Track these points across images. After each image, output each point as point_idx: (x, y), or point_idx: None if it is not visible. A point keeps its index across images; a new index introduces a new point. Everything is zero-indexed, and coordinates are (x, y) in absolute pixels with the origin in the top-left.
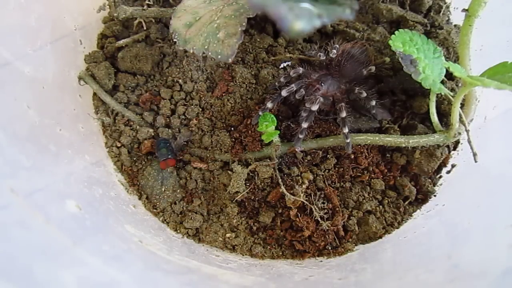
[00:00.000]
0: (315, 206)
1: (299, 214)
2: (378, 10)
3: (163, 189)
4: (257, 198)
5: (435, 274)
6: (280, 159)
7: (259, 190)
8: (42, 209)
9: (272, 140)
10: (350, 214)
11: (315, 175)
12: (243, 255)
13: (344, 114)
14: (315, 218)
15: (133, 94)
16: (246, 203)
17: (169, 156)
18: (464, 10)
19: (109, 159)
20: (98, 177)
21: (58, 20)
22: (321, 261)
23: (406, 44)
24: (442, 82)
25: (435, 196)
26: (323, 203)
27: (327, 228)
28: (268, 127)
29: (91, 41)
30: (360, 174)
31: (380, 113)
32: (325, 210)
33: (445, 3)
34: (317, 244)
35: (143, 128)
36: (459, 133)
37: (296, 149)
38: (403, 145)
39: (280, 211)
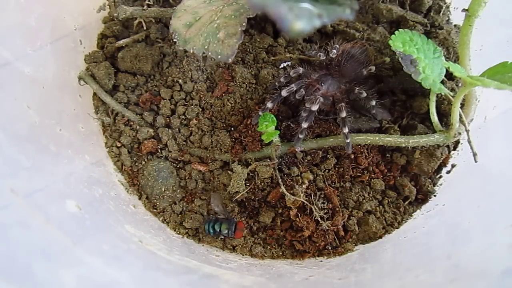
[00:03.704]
0: (315, 206)
1: (299, 214)
2: (378, 10)
3: (163, 189)
4: (257, 198)
5: (435, 274)
6: (280, 159)
7: (259, 190)
8: (42, 209)
9: (272, 140)
10: (350, 214)
11: (315, 175)
12: (243, 255)
13: (344, 114)
14: (315, 218)
15: (133, 94)
16: (246, 203)
17: (234, 225)
18: (464, 10)
19: (109, 159)
20: (98, 177)
21: (58, 20)
22: (321, 261)
23: (406, 44)
24: (442, 82)
25: (435, 196)
26: (323, 203)
27: (327, 228)
28: (268, 127)
29: (91, 41)
30: (360, 174)
31: (380, 113)
32: (325, 210)
33: (445, 3)
34: (317, 244)
35: (143, 128)
36: (459, 133)
37: (296, 149)
38: (403, 145)
39: (280, 211)
